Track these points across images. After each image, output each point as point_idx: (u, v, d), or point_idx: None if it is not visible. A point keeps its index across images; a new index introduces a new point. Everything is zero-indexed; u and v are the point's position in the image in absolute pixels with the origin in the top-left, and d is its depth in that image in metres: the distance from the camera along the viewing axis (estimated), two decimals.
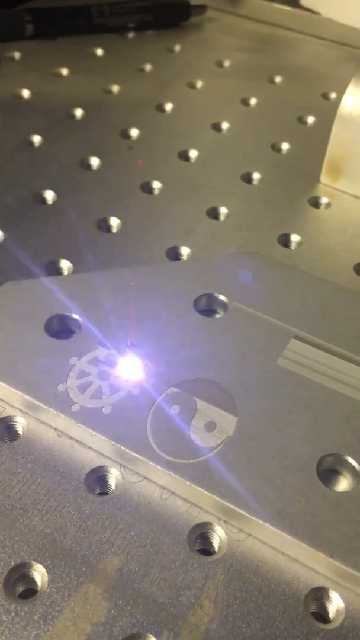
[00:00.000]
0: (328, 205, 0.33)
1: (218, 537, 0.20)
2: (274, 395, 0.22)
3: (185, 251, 0.29)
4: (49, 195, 0.32)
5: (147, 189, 0.33)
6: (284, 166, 0.36)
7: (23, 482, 0.20)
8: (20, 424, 0.22)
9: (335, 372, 0.23)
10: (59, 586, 0.18)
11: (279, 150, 0.37)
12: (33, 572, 0.18)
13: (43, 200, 0.32)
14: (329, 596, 0.18)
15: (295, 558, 0.19)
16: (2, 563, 0.18)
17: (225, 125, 0.39)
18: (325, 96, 0.42)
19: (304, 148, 0.37)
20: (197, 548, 0.19)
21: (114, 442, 0.20)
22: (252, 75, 0.44)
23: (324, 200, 0.33)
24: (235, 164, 0.35)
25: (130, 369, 0.22)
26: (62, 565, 0.19)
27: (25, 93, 0.40)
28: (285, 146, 0.37)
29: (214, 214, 0.32)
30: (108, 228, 0.31)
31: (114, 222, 0.31)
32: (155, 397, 0.22)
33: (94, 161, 0.35)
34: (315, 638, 0.17)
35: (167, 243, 0.30)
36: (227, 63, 0.46)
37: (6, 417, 0.22)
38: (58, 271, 0.28)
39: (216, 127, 0.39)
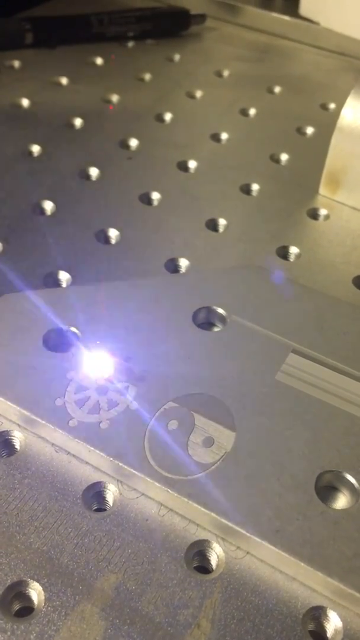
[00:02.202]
0: (327, 217, 0.33)
1: (216, 554, 0.19)
2: (272, 411, 0.22)
3: (184, 263, 0.29)
4: (48, 206, 0.32)
5: (146, 200, 0.33)
6: (282, 177, 0.36)
7: (20, 498, 0.20)
8: (18, 438, 0.22)
9: (334, 387, 0.23)
10: (55, 605, 0.18)
11: (277, 161, 0.37)
12: (29, 590, 0.18)
13: (42, 211, 0.32)
14: (327, 615, 0.18)
15: (293, 576, 0.19)
16: None
17: (224, 136, 0.39)
18: (324, 107, 0.42)
19: (303, 159, 0.37)
20: (195, 566, 0.19)
21: (111, 458, 0.20)
22: (251, 85, 0.44)
23: (322, 212, 0.33)
24: (234, 175, 0.35)
25: (128, 381, 0.22)
26: (59, 583, 0.18)
27: (25, 102, 0.40)
28: (284, 157, 0.37)
29: (212, 225, 0.32)
30: (107, 239, 0.31)
31: (113, 233, 0.31)
32: (153, 412, 0.22)
33: (93, 171, 0.35)
34: None
35: (166, 255, 0.29)
36: (226, 73, 0.46)
37: (3, 431, 0.22)
38: (56, 283, 0.28)
39: (215, 138, 0.39)
